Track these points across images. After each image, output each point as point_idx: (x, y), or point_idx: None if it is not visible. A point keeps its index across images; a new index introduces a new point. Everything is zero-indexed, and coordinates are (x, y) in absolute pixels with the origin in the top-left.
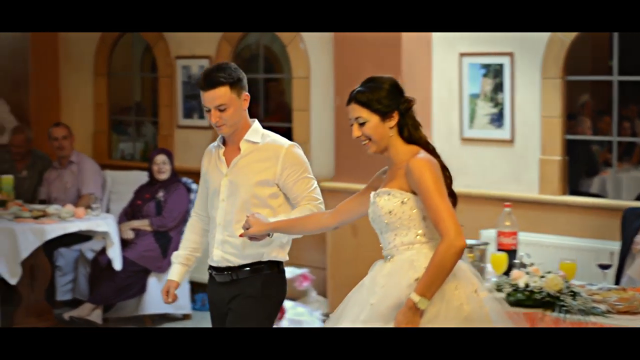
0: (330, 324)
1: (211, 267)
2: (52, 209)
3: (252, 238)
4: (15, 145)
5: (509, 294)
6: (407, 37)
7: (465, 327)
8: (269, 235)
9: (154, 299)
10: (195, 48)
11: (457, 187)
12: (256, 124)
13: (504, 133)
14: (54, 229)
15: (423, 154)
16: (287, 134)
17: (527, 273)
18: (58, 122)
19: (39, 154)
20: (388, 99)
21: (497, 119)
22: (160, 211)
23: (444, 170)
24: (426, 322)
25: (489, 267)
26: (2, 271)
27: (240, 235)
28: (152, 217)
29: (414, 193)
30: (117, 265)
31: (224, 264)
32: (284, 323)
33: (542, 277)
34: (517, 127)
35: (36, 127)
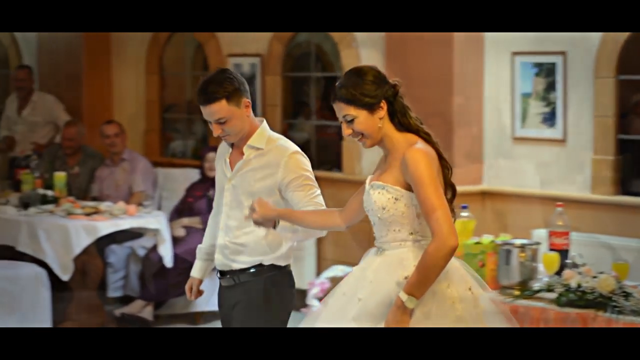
0: (318, 310)
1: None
2: (104, 206)
3: (258, 224)
4: (67, 139)
5: (560, 294)
6: (458, 36)
7: (458, 327)
8: (274, 227)
9: (205, 296)
10: (247, 46)
11: (508, 187)
12: (263, 126)
13: (556, 132)
14: (106, 226)
15: (420, 145)
16: (337, 132)
17: (579, 273)
18: (110, 120)
19: (91, 151)
20: (373, 89)
21: (549, 118)
22: (211, 209)
23: (442, 159)
24: (417, 322)
25: (540, 266)
26: (55, 267)
27: (246, 218)
28: (203, 215)
29: (409, 189)
30: (168, 262)
31: (225, 268)
32: None
33: (595, 277)
34: (570, 127)
35: (89, 125)
